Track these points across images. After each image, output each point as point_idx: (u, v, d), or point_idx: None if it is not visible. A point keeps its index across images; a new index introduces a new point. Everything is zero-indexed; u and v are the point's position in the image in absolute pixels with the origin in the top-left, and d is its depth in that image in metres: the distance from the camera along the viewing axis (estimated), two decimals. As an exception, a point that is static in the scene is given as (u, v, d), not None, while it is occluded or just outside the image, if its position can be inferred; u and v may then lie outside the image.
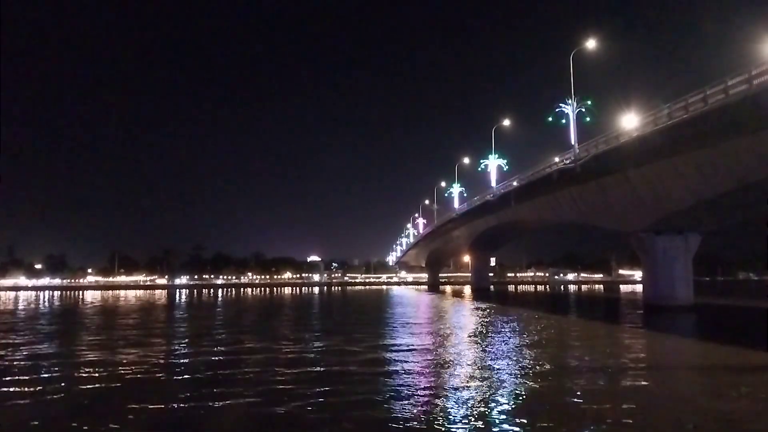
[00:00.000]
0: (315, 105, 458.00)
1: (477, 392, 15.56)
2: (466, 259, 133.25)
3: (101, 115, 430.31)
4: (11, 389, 16.41)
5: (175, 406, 14.37)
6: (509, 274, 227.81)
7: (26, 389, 16.40)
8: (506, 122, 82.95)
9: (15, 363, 21.77)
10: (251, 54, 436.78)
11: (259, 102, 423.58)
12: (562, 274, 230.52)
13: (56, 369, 20.05)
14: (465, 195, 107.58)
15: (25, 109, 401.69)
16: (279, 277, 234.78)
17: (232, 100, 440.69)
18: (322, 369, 19.82)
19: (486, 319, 42.09)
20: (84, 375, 18.94)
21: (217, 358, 22.76)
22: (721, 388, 16.53)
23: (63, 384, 17.21)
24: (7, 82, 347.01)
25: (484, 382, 16.93)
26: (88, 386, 17.06)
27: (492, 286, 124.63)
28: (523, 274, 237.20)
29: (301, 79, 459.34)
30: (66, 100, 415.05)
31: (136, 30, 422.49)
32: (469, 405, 14.19)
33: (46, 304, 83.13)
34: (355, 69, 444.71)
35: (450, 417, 13.02)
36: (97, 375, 18.90)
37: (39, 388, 16.54)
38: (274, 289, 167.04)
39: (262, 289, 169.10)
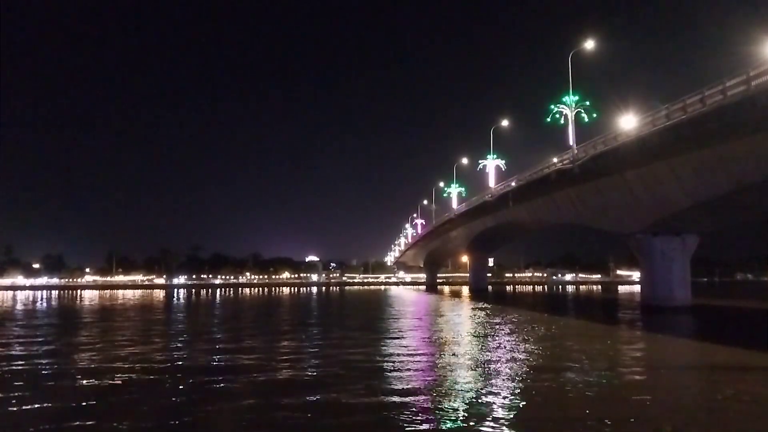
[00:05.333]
0: (313, 105, 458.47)
1: (470, 393, 15.56)
2: (464, 259, 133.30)
3: (99, 115, 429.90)
4: (6, 392, 16.23)
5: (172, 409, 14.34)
6: (507, 275, 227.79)
7: (20, 393, 16.25)
8: (505, 123, 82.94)
9: (10, 365, 21.63)
10: (250, 54, 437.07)
11: (258, 102, 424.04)
12: (560, 275, 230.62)
13: (52, 371, 19.94)
14: (464, 195, 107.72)
15: (23, 109, 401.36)
16: (277, 277, 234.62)
17: (230, 100, 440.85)
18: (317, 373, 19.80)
19: (483, 320, 42.07)
20: (81, 377, 18.87)
21: (214, 363, 22.74)
22: (707, 389, 16.58)
23: (59, 387, 17.08)
24: (6, 81, 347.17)
25: (478, 382, 16.96)
26: (85, 389, 16.99)
27: (490, 287, 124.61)
28: (521, 275, 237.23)
29: (298, 79, 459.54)
30: (64, 100, 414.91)
31: (135, 30, 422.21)
32: (461, 408, 14.18)
33: (44, 303, 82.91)
34: (354, 69, 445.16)
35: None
36: (94, 377, 18.83)
37: (33, 391, 16.39)
38: (272, 289, 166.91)
39: (260, 289, 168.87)
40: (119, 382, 17.77)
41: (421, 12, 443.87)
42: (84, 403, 14.60)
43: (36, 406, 14.57)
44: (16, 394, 15.86)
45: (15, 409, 14.22)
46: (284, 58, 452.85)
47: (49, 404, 14.70)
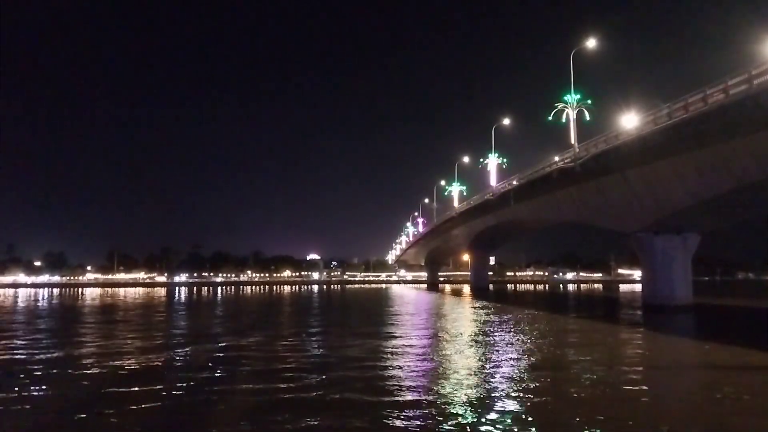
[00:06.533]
0: (315, 103, 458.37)
1: (471, 389, 15.58)
2: (466, 258, 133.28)
3: (101, 114, 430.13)
4: (9, 393, 16.11)
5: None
6: (508, 273, 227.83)
7: (22, 393, 16.15)
8: (506, 121, 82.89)
9: (12, 365, 21.64)
10: (251, 53, 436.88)
11: (259, 100, 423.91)
12: (561, 273, 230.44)
13: (54, 370, 19.95)
14: (465, 194, 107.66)
15: (25, 108, 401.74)
16: (278, 275, 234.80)
17: (231, 99, 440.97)
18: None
19: (484, 319, 42.08)
20: (82, 375, 18.91)
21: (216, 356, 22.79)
22: (707, 388, 16.54)
23: (61, 386, 17.11)
24: (6, 81, 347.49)
25: (478, 377, 16.97)
26: (86, 387, 17.02)
27: (491, 285, 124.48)
28: (522, 273, 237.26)
29: (300, 78, 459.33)
30: (65, 98, 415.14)
31: (136, 29, 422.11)
32: (464, 402, 14.19)
33: (46, 301, 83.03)
34: (355, 67, 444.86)
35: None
36: (95, 376, 18.88)
37: (35, 390, 16.41)
38: (274, 287, 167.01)
39: (262, 287, 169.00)
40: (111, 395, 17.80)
41: (421, 10, 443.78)
42: (82, 405, 14.64)
43: (34, 409, 14.56)
44: (21, 395, 15.86)
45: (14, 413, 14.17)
46: (284, 56, 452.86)
47: (47, 407, 14.72)
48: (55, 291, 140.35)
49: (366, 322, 40.22)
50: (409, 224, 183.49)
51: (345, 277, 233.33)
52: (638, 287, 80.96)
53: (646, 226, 47.39)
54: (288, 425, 12.36)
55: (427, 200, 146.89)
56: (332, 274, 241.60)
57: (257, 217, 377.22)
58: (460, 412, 13.37)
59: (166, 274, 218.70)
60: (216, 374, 18.74)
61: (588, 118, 56.66)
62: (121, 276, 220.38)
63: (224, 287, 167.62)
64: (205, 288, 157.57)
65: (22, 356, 23.10)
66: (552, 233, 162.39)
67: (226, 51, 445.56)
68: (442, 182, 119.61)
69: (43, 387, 16.65)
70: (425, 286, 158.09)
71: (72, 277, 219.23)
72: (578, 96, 56.99)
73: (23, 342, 28.36)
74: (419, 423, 12.50)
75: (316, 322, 41.25)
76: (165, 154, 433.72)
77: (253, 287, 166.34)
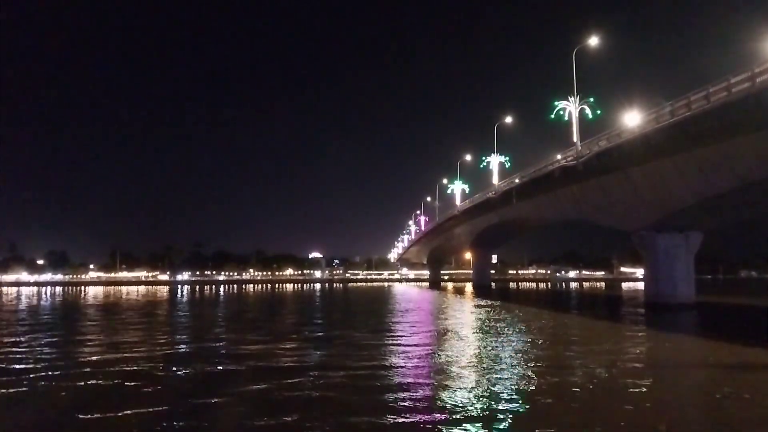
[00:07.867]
0: (316, 102, 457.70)
1: (471, 387, 15.61)
2: (468, 256, 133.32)
3: (102, 113, 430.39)
4: (8, 392, 16.06)
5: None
6: (511, 272, 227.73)
7: (22, 393, 16.13)
8: (508, 119, 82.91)
9: (12, 366, 21.69)
10: (251, 52, 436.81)
11: (260, 99, 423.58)
12: (563, 272, 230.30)
13: (56, 368, 19.99)
14: (467, 192, 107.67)
15: (27, 107, 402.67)
16: (280, 273, 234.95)
17: (233, 98, 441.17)
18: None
19: (486, 317, 42.10)
20: (83, 376, 18.97)
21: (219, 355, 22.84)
22: (706, 387, 16.54)
23: (62, 384, 17.11)
24: (7, 81, 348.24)
25: (479, 375, 17.01)
26: (87, 388, 17.07)
27: (493, 284, 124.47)
28: (524, 272, 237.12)
29: (301, 77, 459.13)
30: (67, 98, 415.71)
31: (136, 29, 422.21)
32: (464, 399, 14.22)
33: (48, 299, 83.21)
34: (356, 65, 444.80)
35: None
36: (97, 376, 18.94)
37: (35, 389, 16.39)
38: (276, 285, 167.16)
39: (264, 285, 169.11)
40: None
41: (422, 8, 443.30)
42: (82, 405, 14.68)
43: (34, 408, 14.60)
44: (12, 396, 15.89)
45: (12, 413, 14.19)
46: (286, 54, 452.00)
47: (48, 405, 14.78)
48: (58, 289, 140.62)
49: (369, 319, 40.23)
50: (411, 222, 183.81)
51: (347, 275, 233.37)
52: (641, 285, 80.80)
53: (649, 225, 47.38)
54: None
55: (429, 198, 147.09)
56: (334, 272, 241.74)
57: (259, 216, 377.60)
58: (460, 410, 13.39)
59: (168, 273, 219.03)
60: (218, 369, 18.83)
61: (590, 116, 56.70)
62: (124, 274, 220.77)
63: (226, 285, 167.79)
64: (208, 286, 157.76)
65: (23, 357, 23.18)
66: (554, 232, 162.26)
67: (227, 51, 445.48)
68: (444, 180, 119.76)
69: (43, 388, 16.67)
70: (427, 284, 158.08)
71: (74, 276, 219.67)
72: (580, 94, 57.02)
73: (24, 341, 28.44)
74: (419, 422, 12.55)
75: (319, 323, 41.32)
76: (167, 152, 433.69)
77: (256, 285, 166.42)
